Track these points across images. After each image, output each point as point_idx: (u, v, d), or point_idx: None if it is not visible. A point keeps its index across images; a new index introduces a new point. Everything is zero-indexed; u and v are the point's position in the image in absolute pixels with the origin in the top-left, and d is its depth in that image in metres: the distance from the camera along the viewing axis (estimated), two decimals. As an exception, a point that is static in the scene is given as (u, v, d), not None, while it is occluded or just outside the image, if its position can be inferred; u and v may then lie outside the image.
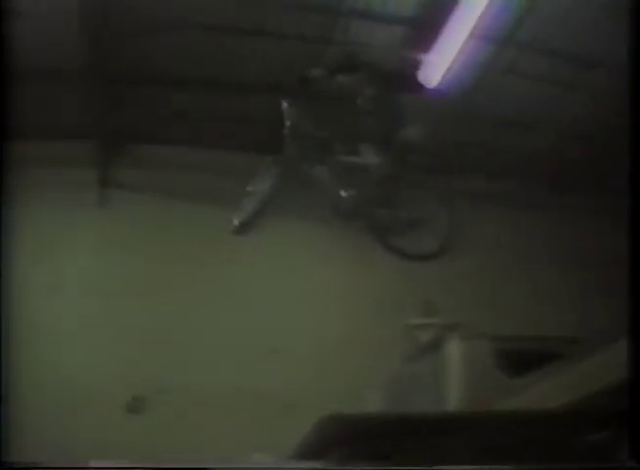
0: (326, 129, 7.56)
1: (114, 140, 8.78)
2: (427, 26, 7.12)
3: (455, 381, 5.57)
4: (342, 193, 7.60)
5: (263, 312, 8.71)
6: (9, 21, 5.91)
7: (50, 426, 7.64)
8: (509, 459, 3.83)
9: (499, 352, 5.63)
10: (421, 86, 7.39)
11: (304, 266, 9.09)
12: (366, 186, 7.59)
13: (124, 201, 8.96)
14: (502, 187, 9.65)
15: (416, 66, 7.29)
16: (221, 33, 7.43)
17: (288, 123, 7.34)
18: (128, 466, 3.76)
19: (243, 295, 8.81)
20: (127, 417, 8.16)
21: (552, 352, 5.36)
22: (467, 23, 6.86)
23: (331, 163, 7.59)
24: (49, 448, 7.18)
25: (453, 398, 5.47)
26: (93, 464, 3.68)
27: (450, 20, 6.89)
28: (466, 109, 8.40)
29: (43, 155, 8.50)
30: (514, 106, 8.44)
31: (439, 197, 8.07)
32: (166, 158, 9.02)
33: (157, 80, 8.08)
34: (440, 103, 7.96)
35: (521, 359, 5.44)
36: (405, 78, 7.36)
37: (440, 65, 7.29)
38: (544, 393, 4.90)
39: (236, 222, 7.75)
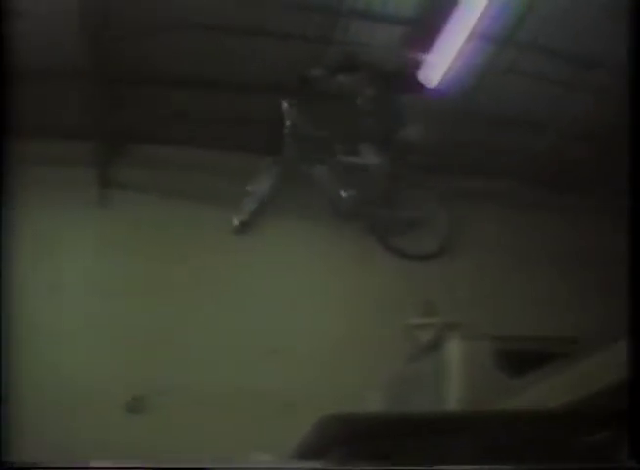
0: (326, 129, 7.54)
1: (115, 140, 8.78)
2: (427, 26, 7.11)
3: (455, 381, 5.56)
4: (342, 193, 7.59)
5: (263, 312, 8.71)
6: (9, 20, 5.89)
7: (50, 426, 7.64)
8: (509, 459, 3.83)
9: (499, 351, 5.62)
10: (421, 86, 7.38)
11: (304, 266, 9.09)
12: (366, 186, 7.58)
13: (125, 201, 8.97)
14: (502, 187, 9.65)
15: (416, 66, 7.29)
16: (221, 33, 7.43)
17: (288, 123, 7.33)
18: (128, 466, 3.76)
19: (243, 295, 8.81)
20: (127, 417, 8.17)
21: (552, 353, 5.35)
22: (467, 23, 6.85)
23: (331, 163, 7.58)
24: (49, 448, 7.18)
25: (453, 397, 5.47)
26: (93, 464, 3.67)
27: (450, 20, 6.88)
28: (466, 109, 8.39)
29: (44, 155, 8.50)
30: (514, 106, 8.43)
31: (439, 197, 8.07)
32: (167, 158, 9.02)
33: (157, 80, 8.08)
34: (440, 103, 7.95)
35: (521, 359, 5.43)
36: (405, 78, 7.35)
37: (440, 65, 7.28)
38: (544, 393, 4.89)
39: (236, 222, 7.75)
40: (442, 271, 8.73)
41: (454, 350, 5.75)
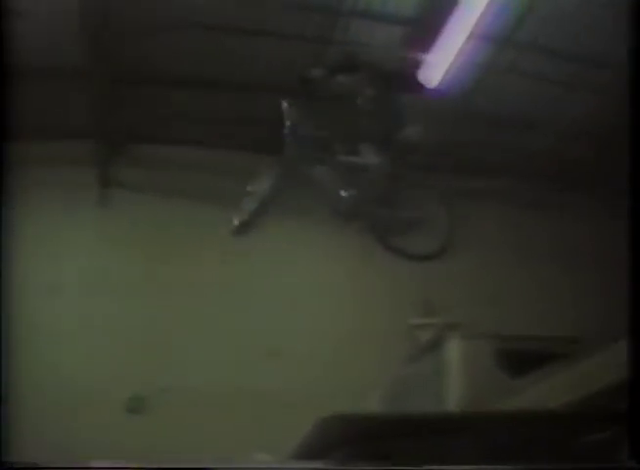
0: (326, 129, 7.53)
1: (115, 140, 8.78)
2: (427, 26, 7.11)
3: (455, 381, 5.55)
4: (343, 193, 7.58)
5: (263, 312, 8.70)
6: (10, 20, 5.88)
7: (50, 426, 7.64)
8: (510, 459, 3.83)
9: (500, 351, 5.62)
10: (421, 86, 7.38)
11: (305, 266, 9.09)
12: (366, 186, 7.57)
13: (125, 201, 8.97)
14: (503, 186, 9.65)
15: (416, 66, 7.29)
16: (222, 33, 7.44)
17: (288, 123, 7.32)
18: (128, 466, 3.76)
19: (243, 295, 8.81)
20: (127, 417, 8.16)
21: (553, 352, 5.35)
22: (467, 22, 6.86)
23: (331, 163, 7.56)
24: (49, 448, 7.17)
25: (453, 397, 5.46)
26: (93, 464, 3.67)
27: (450, 19, 6.88)
28: (466, 108, 8.40)
29: (44, 155, 8.50)
30: (514, 105, 8.44)
31: (439, 197, 8.06)
32: (167, 158, 9.02)
33: (157, 80, 8.08)
34: (440, 103, 7.95)
35: (521, 359, 5.43)
36: (405, 78, 7.35)
37: (441, 64, 7.28)
38: (545, 392, 4.89)
39: (236, 222, 7.74)
40: (444, 271, 8.71)
41: (454, 349, 5.74)
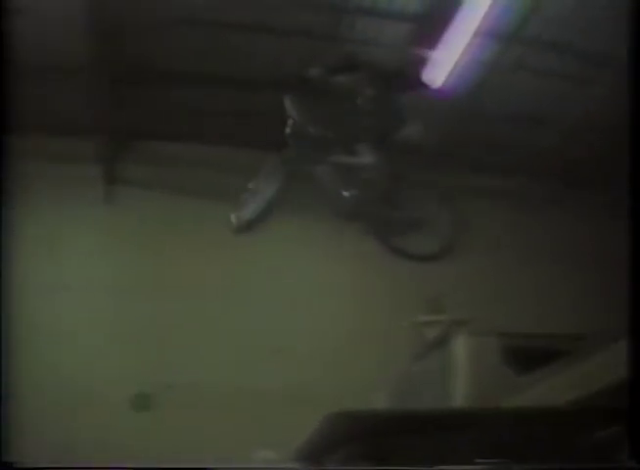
0: (326, 129, 7.54)
1: (120, 136, 8.77)
2: (433, 23, 7.11)
3: (462, 377, 5.54)
4: (344, 193, 7.59)
5: (267, 311, 8.69)
6: (15, 17, 5.87)
7: (50, 426, 7.61)
8: (515, 455, 3.83)
9: (506, 348, 5.61)
10: (424, 84, 7.37)
11: (306, 266, 9.07)
12: (367, 186, 7.58)
13: (130, 198, 8.96)
14: (509, 185, 9.65)
15: (421, 63, 7.28)
16: (226, 30, 7.43)
17: (290, 122, 7.32)
18: (129, 466, 3.75)
19: (246, 293, 8.79)
20: (127, 417, 8.13)
21: (559, 350, 5.33)
22: (473, 20, 6.86)
23: (332, 162, 7.57)
24: (49, 448, 7.15)
25: (460, 394, 5.45)
26: (93, 464, 3.66)
27: (457, 17, 6.88)
28: (471, 107, 8.39)
29: (49, 151, 8.50)
30: (520, 103, 8.43)
31: (441, 197, 8.07)
32: (172, 154, 9.01)
33: (162, 77, 8.07)
34: (446, 101, 7.94)
35: (527, 356, 5.42)
36: (408, 77, 7.34)
37: (447, 62, 7.28)
38: (551, 390, 4.88)
39: (239, 221, 7.73)
40: (449, 269, 8.72)
41: (461, 346, 5.72)
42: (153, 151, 8.98)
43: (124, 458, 6.48)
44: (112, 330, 8.40)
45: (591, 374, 4.69)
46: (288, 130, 7.32)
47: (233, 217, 7.79)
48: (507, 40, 7.57)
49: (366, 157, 7.50)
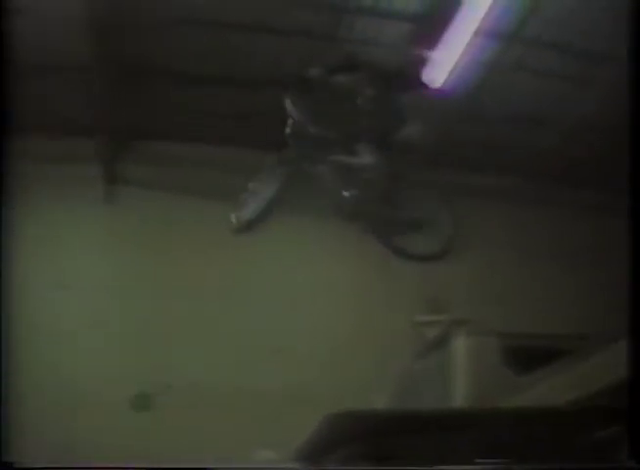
0: (326, 129, 7.53)
1: (120, 136, 8.77)
2: (433, 23, 7.10)
3: (462, 377, 5.54)
4: (344, 193, 7.58)
5: (266, 311, 8.69)
6: (15, 17, 5.86)
7: (50, 426, 7.61)
8: (515, 455, 3.83)
9: (506, 348, 5.62)
10: (424, 84, 7.38)
11: (306, 265, 9.07)
12: (367, 186, 7.56)
13: (131, 197, 8.96)
14: (507, 184, 9.65)
15: (421, 63, 7.28)
16: (226, 30, 7.43)
17: (290, 122, 7.33)
18: (129, 466, 3.75)
19: (247, 293, 8.80)
20: (127, 417, 8.13)
21: (559, 349, 5.34)
22: (473, 20, 6.86)
23: (332, 162, 7.56)
24: (49, 448, 7.15)
25: (460, 394, 5.46)
26: (93, 464, 3.66)
27: (456, 17, 6.88)
28: (471, 107, 8.39)
29: (49, 151, 8.49)
30: (520, 103, 8.43)
31: (441, 197, 8.06)
32: (172, 154, 9.01)
33: (162, 77, 8.07)
34: (446, 100, 7.95)
35: (527, 356, 5.43)
36: (408, 77, 7.34)
37: (447, 62, 7.28)
38: (551, 390, 4.88)
39: (236, 221, 7.72)
40: (449, 269, 8.70)
41: (461, 346, 5.74)
42: (153, 151, 8.98)
43: (124, 458, 6.49)
44: (112, 330, 8.39)
45: (591, 374, 4.69)
46: (288, 130, 7.31)
47: (233, 217, 7.76)
48: (507, 40, 7.58)
49: (366, 157, 7.48)
